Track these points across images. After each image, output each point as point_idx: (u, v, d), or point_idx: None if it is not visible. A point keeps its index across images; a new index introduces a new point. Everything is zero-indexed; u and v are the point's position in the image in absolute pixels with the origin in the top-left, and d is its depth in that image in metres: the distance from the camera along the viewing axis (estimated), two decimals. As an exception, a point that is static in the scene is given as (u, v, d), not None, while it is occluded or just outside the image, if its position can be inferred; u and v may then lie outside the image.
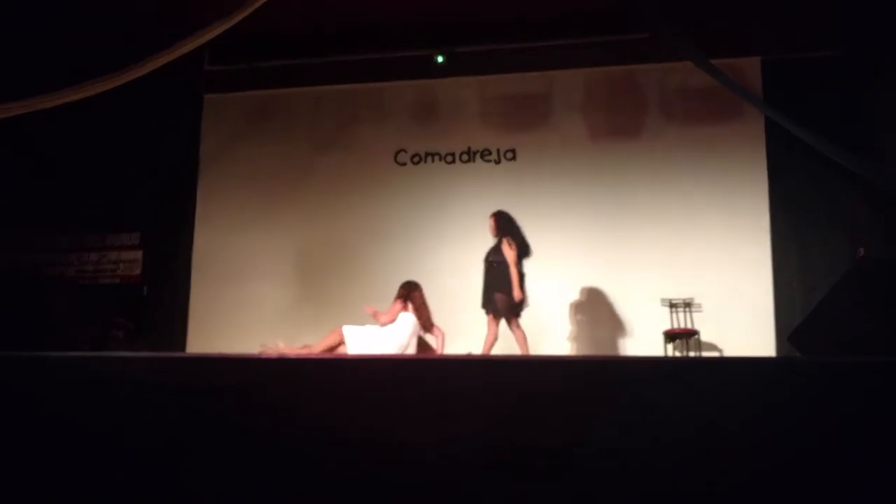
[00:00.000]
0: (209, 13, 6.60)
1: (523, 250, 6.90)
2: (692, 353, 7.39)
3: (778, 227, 7.93)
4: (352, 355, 6.14)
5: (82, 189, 8.94)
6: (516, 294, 6.66)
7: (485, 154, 8.74)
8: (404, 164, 8.88)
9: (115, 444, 3.25)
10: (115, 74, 6.40)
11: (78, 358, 4.16)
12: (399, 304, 6.66)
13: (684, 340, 7.50)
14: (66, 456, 3.25)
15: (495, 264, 6.82)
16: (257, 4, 6.49)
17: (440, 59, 8.72)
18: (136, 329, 8.45)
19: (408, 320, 6.63)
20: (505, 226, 6.95)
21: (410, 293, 6.68)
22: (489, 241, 8.17)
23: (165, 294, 8.91)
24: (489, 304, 6.78)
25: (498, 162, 8.71)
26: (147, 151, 9.01)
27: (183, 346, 8.55)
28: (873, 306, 4.93)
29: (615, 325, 7.98)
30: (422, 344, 6.90)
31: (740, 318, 7.71)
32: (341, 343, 6.52)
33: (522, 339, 6.76)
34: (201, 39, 6.55)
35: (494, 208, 8.36)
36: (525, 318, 8.17)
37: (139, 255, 9.04)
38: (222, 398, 3.36)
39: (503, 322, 6.82)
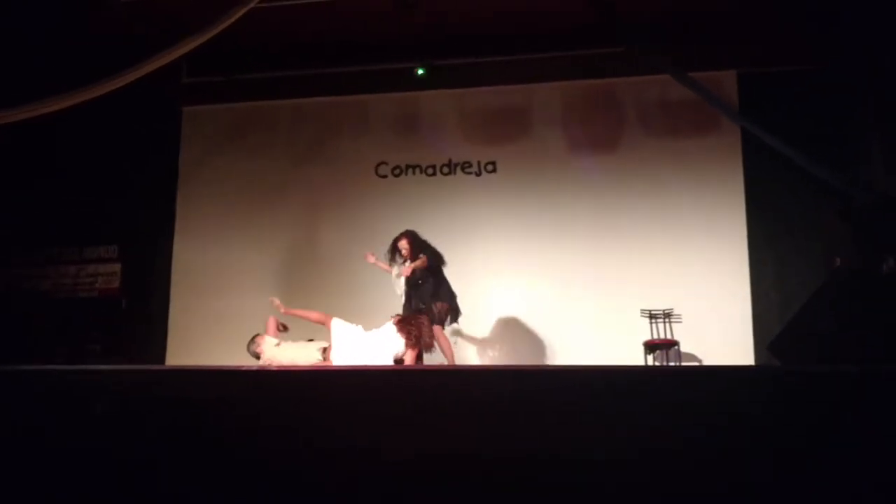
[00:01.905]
0: (187, 24, 6.57)
1: (440, 261, 6.86)
2: (672, 364, 7.42)
3: (755, 238, 8.01)
4: (332, 367, 6.09)
5: (60, 201, 8.86)
6: (440, 305, 6.66)
7: (465, 166, 8.77)
8: (385, 176, 8.89)
9: (93, 457, 3.22)
10: (92, 86, 6.34)
11: (54, 371, 4.12)
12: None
13: (664, 351, 7.53)
14: (43, 469, 3.21)
15: (421, 281, 6.79)
16: (236, 17, 6.48)
17: (421, 72, 8.75)
18: (114, 342, 8.37)
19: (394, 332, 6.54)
20: (418, 244, 6.87)
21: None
22: (470, 254, 8.22)
23: (144, 307, 8.84)
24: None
25: (478, 174, 8.73)
26: (125, 164, 8.95)
27: (162, 360, 8.47)
28: (849, 315, 4.98)
29: (595, 337, 7.99)
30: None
31: (719, 328, 7.77)
32: (323, 325, 6.43)
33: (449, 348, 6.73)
34: (179, 51, 6.51)
35: (476, 220, 8.42)
36: (506, 328, 8.19)
37: (117, 267, 8.95)
38: (201, 410, 3.34)
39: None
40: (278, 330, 6.57)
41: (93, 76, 6.41)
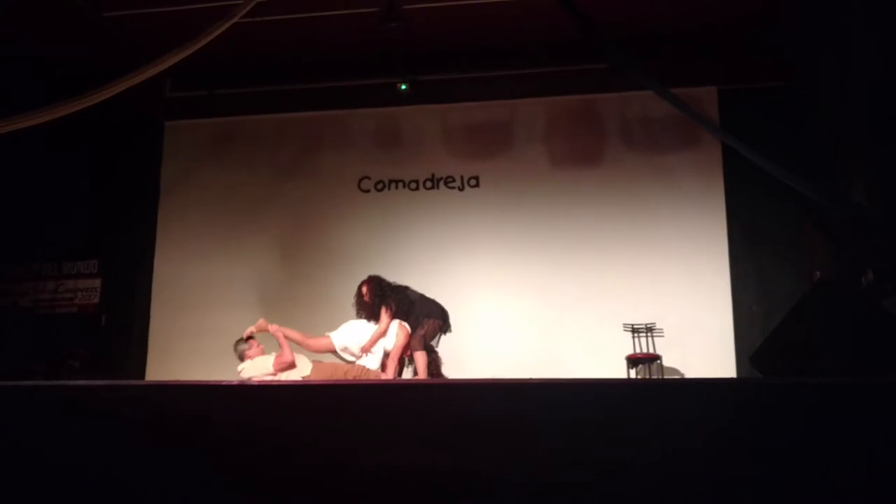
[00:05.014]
0: (170, 39, 6.56)
1: (404, 299, 6.72)
2: (655, 377, 7.43)
3: (736, 252, 8.08)
4: (314, 381, 6.05)
5: (38, 216, 8.78)
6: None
7: (448, 181, 8.79)
8: (368, 191, 8.89)
9: (72, 474, 3.18)
10: (74, 100, 6.30)
11: (32, 387, 4.07)
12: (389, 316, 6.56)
13: (647, 365, 7.55)
14: (21, 487, 3.17)
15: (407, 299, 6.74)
16: (219, 32, 6.48)
17: (404, 87, 8.78)
18: (93, 359, 8.27)
19: (396, 329, 6.55)
20: (378, 290, 6.71)
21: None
22: (452, 268, 8.22)
23: (124, 322, 8.75)
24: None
25: (461, 189, 8.75)
26: (106, 178, 8.91)
27: (142, 375, 8.39)
28: (830, 328, 5.02)
29: (578, 351, 8.00)
30: None
31: (701, 342, 7.81)
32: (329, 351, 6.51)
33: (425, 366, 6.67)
34: (162, 66, 6.49)
35: (459, 235, 8.44)
36: (489, 342, 8.18)
37: (97, 283, 8.88)
38: (182, 425, 3.31)
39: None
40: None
41: (75, 90, 6.37)
